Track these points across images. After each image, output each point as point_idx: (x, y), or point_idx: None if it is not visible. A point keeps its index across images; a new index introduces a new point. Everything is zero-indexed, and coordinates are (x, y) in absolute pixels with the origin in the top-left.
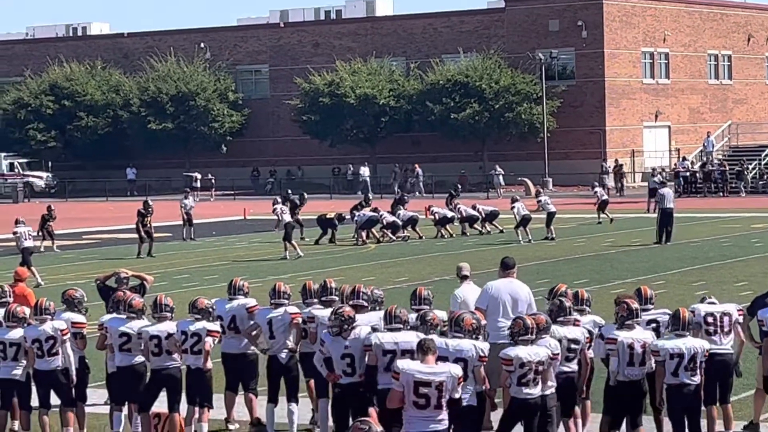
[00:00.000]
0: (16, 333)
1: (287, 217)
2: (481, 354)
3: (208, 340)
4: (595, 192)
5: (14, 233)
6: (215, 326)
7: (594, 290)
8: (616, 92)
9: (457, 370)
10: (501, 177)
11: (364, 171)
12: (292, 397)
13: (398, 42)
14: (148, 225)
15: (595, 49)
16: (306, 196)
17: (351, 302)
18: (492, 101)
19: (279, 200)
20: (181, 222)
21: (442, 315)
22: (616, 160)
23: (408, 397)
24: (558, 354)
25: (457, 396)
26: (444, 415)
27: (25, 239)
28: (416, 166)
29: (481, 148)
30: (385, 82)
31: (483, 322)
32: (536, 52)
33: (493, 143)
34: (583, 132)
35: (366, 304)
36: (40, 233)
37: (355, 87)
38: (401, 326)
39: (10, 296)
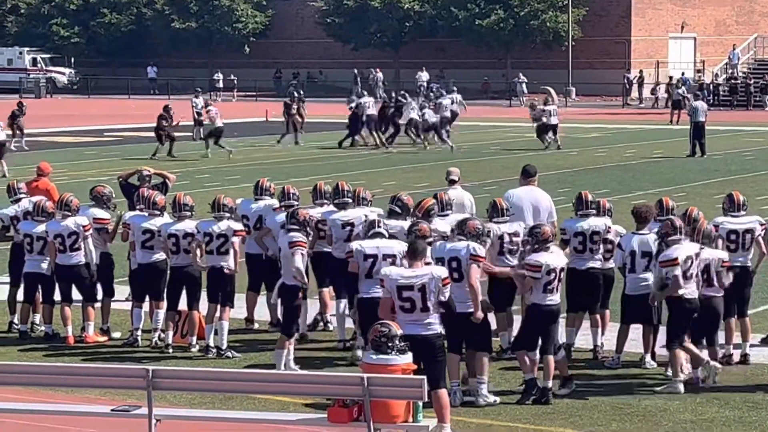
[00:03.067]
0: (43, 227)
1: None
2: (473, 252)
3: (236, 240)
4: (540, 109)
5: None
6: (240, 226)
7: (615, 200)
8: (642, 2)
9: (440, 271)
10: (524, 85)
11: (422, 76)
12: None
13: None
14: (168, 129)
15: None
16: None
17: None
18: (517, 8)
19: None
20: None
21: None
22: (640, 71)
23: (395, 301)
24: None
25: (443, 298)
26: (432, 318)
27: None
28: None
29: (505, 56)
30: None
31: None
32: None
33: (517, 51)
34: (607, 41)
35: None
36: (11, 129)
37: None
38: (384, 234)
39: (26, 192)
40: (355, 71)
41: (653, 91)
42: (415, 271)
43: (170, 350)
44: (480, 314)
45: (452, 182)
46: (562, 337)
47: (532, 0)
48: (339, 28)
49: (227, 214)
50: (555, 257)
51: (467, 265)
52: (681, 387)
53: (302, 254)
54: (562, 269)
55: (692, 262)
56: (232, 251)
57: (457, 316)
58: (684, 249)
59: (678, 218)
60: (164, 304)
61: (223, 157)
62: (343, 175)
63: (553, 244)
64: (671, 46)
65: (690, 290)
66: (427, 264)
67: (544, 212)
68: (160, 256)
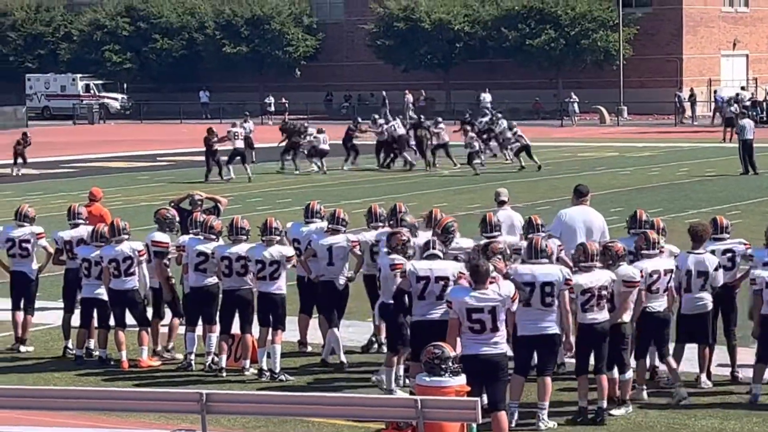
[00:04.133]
0: (99, 252)
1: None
2: (567, 277)
3: (288, 266)
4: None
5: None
6: (291, 250)
7: (668, 219)
8: (694, 20)
9: (508, 289)
10: (576, 105)
11: (486, 97)
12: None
13: None
14: (214, 144)
15: None
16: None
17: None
18: (568, 28)
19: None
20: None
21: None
22: (692, 89)
23: (463, 323)
24: (635, 281)
25: (513, 309)
26: (499, 338)
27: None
28: (407, 91)
29: (556, 76)
30: (460, 8)
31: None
32: None
33: (568, 70)
34: (659, 60)
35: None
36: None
37: (430, 12)
38: (439, 255)
39: (85, 218)
40: (383, 93)
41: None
42: (485, 293)
43: (224, 374)
44: (572, 340)
45: (501, 203)
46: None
47: (583, 20)
48: (389, 50)
49: (277, 237)
50: (591, 276)
51: (561, 291)
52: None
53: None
54: (602, 287)
55: (660, 277)
56: (284, 275)
57: (528, 338)
58: (653, 263)
59: (652, 232)
60: (217, 327)
61: (275, 179)
62: (396, 197)
63: (597, 263)
64: (723, 63)
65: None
66: (491, 282)
67: (596, 232)
68: (213, 279)
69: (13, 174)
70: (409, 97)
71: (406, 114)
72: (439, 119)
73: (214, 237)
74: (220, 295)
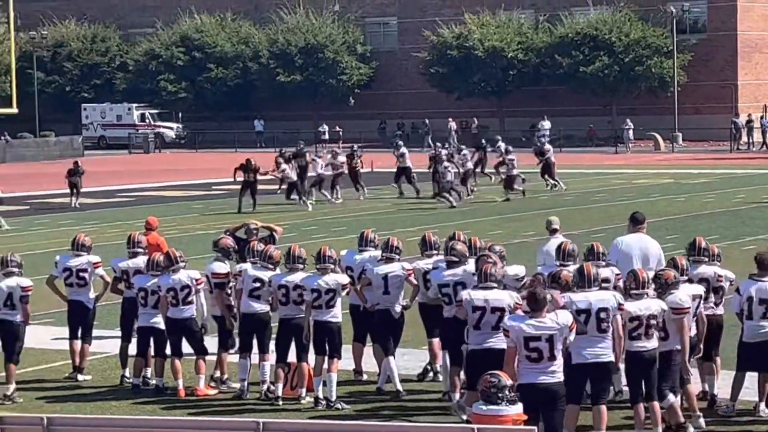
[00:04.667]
0: (156, 281)
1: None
2: (620, 302)
3: (343, 294)
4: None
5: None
6: (346, 278)
7: (725, 246)
8: (749, 46)
9: (566, 319)
10: (630, 131)
11: (545, 124)
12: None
13: None
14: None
15: (728, 2)
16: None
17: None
18: (622, 54)
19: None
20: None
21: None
22: (749, 115)
23: (520, 352)
24: (685, 308)
25: (569, 341)
26: (556, 366)
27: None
28: (450, 119)
29: (610, 102)
30: (513, 35)
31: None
32: (667, 5)
33: (623, 97)
34: (714, 86)
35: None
36: (68, 187)
37: (484, 40)
38: (495, 285)
39: (144, 247)
40: (426, 122)
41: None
42: (542, 322)
43: (280, 402)
44: (621, 365)
45: (554, 231)
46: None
47: (637, 46)
48: (442, 78)
49: (332, 266)
50: (641, 304)
51: (613, 317)
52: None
53: None
54: (651, 316)
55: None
56: (340, 303)
57: (583, 366)
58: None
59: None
60: (270, 356)
61: (331, 208)
62: (450, 225)
63: (673, 291)
64: None
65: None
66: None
67: (653, 259)
68: (264, 306)
69: (73, 206)
70: (453, 125)
71: (450, 141)
72: (462, 147)
73: (272, 267)
74: (270, 323)
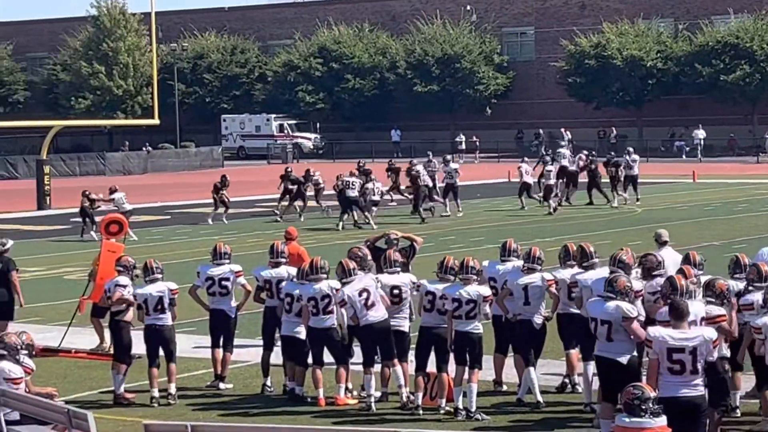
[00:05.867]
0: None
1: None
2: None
3: (485, 306)
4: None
5: (112, 199)
6: (488, 290)
7: None
8: None
9: (710, 333)
10: None
11: (699, 133)
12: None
13: (666, 3)
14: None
15: None
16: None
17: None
18: (763, 63)
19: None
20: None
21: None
22: None
23: (662, 363)
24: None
25: (712, 359)
26: (699, 380)
27: (124, 203)
28: (563, 129)
29: (751, 111)
30: (652, 44)
31: None
32: None
33: (764, 106)
34: None
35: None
36: (214, 201)
37: (622, 49)
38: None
39: (287, 257)
40: (540, 132)
41: None
42: (685, 333)
43: (420, 412)
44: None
45: (663, 243)
46: None
47: None
48: (580, 87)
49: (474, 277)
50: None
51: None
52: None
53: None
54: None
55: None
56: (481, 315)
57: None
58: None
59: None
60: (396, 361)
61: (466, 217)
62: (589, 236)
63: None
64: None
65: None
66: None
67: None
68: (385, 314)
69: (224, 221)
70: (567, 135)
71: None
72: (448, 158)
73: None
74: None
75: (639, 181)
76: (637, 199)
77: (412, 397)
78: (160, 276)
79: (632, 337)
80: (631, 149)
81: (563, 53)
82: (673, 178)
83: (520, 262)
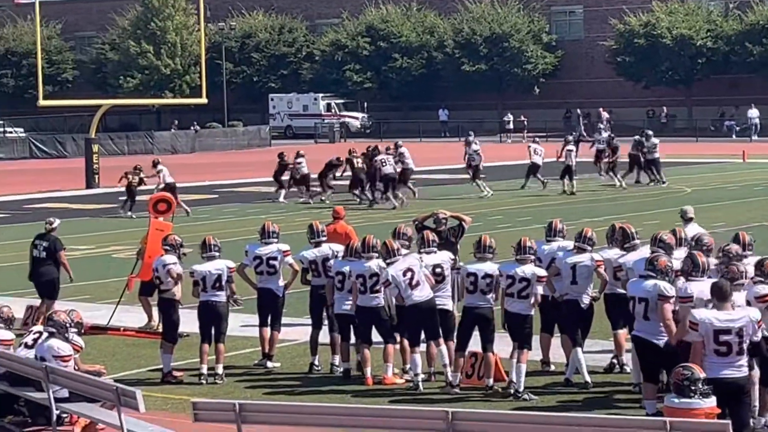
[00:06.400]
0: (348, 267)
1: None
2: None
3: (538, 287)
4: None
5: (160, 171)
6: (543, 271)
7: None
8: None
9: (755, 313)
10: None
11: (752, 113)
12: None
13: None
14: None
15: None
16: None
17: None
18: None
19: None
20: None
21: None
22: None
23: (708, 345)
24: None
25: (756, 339)
26: (744, 361)
27: (168, 176)
28: (601, 110)
29: None
30: (702, 23)
31: None
32: None
33: None
34: None
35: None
36: (321, 183)
37: (672, 28)
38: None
39: (325, 235)
40: (579, 111)
41: None
42: (730, 314)
43: (457, 390)
44: None
45: (689, 220)
46: None
47: None
48: (629, 66)
49: (531, 257)
50: None
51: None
52: None
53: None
54: None
55: None
56: (534, 298)
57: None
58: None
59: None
60: (442, 341)
61: (515, 197)
62: (638, 216)
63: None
64: None
65: None
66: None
67: None
68: (430, 293)
69: (281, 200)
70: (605, 115)
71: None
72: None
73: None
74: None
75: (662, 162)
76: (663, 182)
77: (451, 378)
78: (217, 254)
79: (660, 316)
80: (650, 132)
81: (612, 32)
82: (722, 158)
83: (565, 243)
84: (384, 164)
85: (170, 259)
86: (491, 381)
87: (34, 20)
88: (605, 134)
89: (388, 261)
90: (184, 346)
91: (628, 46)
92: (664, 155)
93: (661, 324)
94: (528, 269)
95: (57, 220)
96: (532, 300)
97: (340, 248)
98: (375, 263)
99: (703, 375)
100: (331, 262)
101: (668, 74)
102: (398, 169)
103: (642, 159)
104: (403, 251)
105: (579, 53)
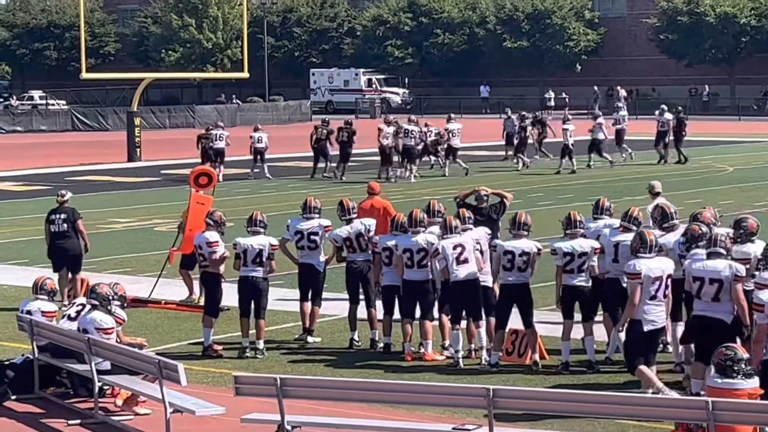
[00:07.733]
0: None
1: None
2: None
3: (594, 258)
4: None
5: (209, 135)
6: (597, 244)
7: None
8: None
9: None
10: None
11: None
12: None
13: None
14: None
15: None
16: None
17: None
18: None
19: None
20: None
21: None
22: None
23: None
24: None
25: None
26: None
27: (217, 140)
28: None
29: None
30: (746, 1)
31: None
32: None
33: None
34: None
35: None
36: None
37: (716, 5)
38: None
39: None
40: (596, 89)
41: None
42: None
43: (494, 369)
44: None
45: (656, 195)
46: None
47: None
48: (672, 44)
49: (581, 231)
50: None
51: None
52: None
53: None
54: None
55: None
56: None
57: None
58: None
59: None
60: (483, 322)
61: (553, 174)
62: (679, 194)
63: None
64: None
65: None
66: None
67: None
68: (476, 272)
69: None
70: (623, 92)
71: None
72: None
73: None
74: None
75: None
76: (631, 157)
77: (490, 358)
78: (262, 230)
79: (734, 297)
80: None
81: (655, 9)
82: (764, 137)
83: (612, 221)
84: (407, 135)
85: (212, 236)
86: (537, 356)
87: None
88: (623, 112)
89: (444, 237)
90: (224, 320)
91: (671, 24)
92: (706, 134)
93: (731, 303)
94: (585, 243)
95: (68, 193)
96: (590, 272)
97: (372, 222)
98: (422, 237)
99: (746, 355)
100: (372, 235)
101: (711, 52)
102: (423, 142)
103: (669, 137)
104: (461, 229)
105: (621, 30)
